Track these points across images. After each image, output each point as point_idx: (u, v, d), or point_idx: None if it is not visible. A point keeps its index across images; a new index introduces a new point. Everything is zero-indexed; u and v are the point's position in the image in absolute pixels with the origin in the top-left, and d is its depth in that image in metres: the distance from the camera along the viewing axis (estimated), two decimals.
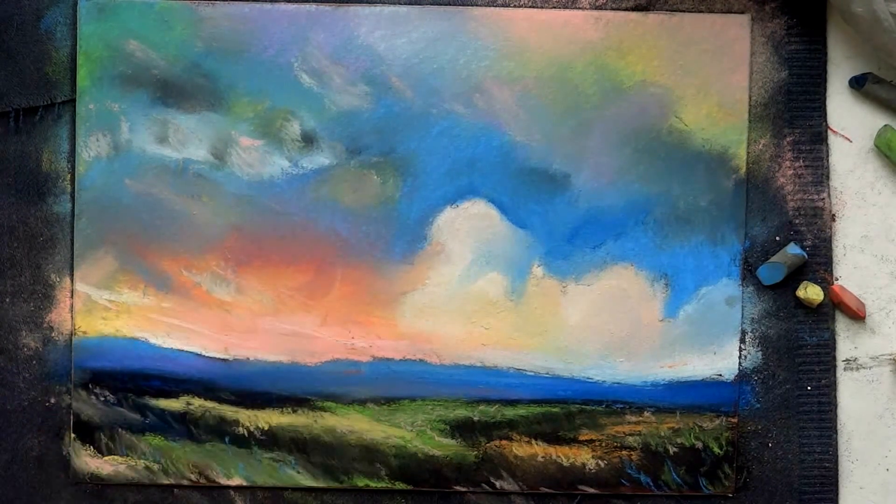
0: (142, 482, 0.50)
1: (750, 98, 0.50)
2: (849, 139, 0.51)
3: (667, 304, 0.50)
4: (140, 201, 0.50)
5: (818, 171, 0.50)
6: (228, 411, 0.50)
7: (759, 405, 0.51)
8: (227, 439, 0.50)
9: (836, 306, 0.51)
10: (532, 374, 0.50)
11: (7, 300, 0.50)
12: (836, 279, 0.51)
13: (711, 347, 0.50)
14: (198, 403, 0.50)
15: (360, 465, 0.50)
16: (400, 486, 0.50)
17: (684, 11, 0.50)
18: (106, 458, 0.50)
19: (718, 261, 0.50)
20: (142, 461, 0.50)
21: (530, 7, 0.50)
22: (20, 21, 0.50)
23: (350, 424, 0.50)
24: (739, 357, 0.50)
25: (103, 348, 0.50)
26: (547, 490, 0.51)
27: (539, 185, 0.50)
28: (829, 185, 0.51)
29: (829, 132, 0.51)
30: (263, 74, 0.50)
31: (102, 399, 0.50)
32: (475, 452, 0.50)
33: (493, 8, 0.50)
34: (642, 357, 0.50)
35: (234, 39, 0.50)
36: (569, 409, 0.50)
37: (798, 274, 0.50)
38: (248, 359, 0.50)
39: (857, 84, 0.50)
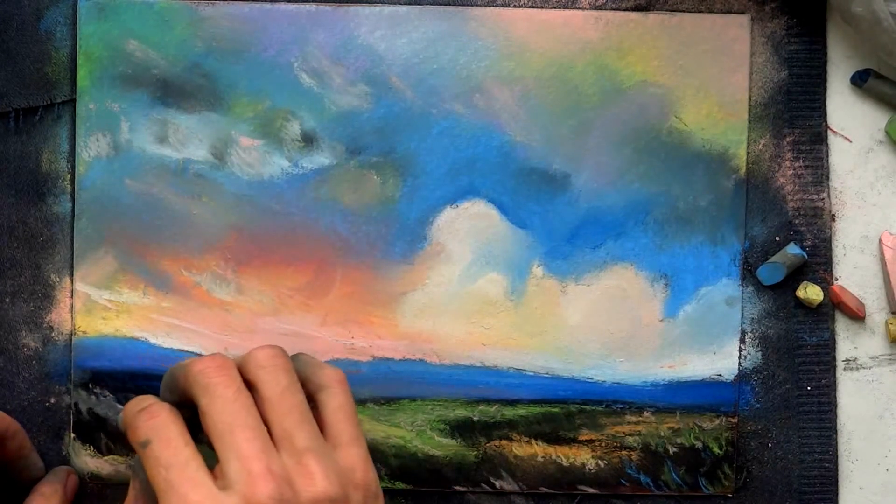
0: None
1: (750, 98, 0.50)
2: (849, 139, 0.51)
3: (667, 304, 0.50)
4: (140, 201, 0.50)
5: (818, 171, 0.50)
6: None
7: (759, 405, 0.51)
8: None
9: (836, 306, 0.51)
10: (532, 374, 0.50)
11: (7, 300, 0.50)
12: (836, 279, 0.51)
13: (711, 347, 0.50)
14: None
15: None
16: (400, 485, 0.50)
17: (684, 11, 0.50)
18: (106, 457, 0.50)
19: (718, 261, 0.50)
20: None
21: (530, 7, 0.50)
22: (20, 21, 0.50)
23: None
24: (739, 357, 0.51)
25: (103, 348, 0.50)
26: (547, 490, 0.51)
27: (539, 185, 0.50)
28: (829, 185, 0.51)
29: (829, 132, 0.51)
30: (263, 74, 0.50)
31: (103, 399, 0.50)
32: (475, 452, 0.51)
33: (493, 8, 0.50)
34: (642, 357, 0.50)
35: (234, 39, 0.50)
36: (569, 409, 0.50)
37: (798, 274, 0.50)
38: None
39: (860, 79, 0.50)
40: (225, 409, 0.38)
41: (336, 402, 0.40)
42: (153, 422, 0.38)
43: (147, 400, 0.40)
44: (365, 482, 0.39)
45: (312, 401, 0.41)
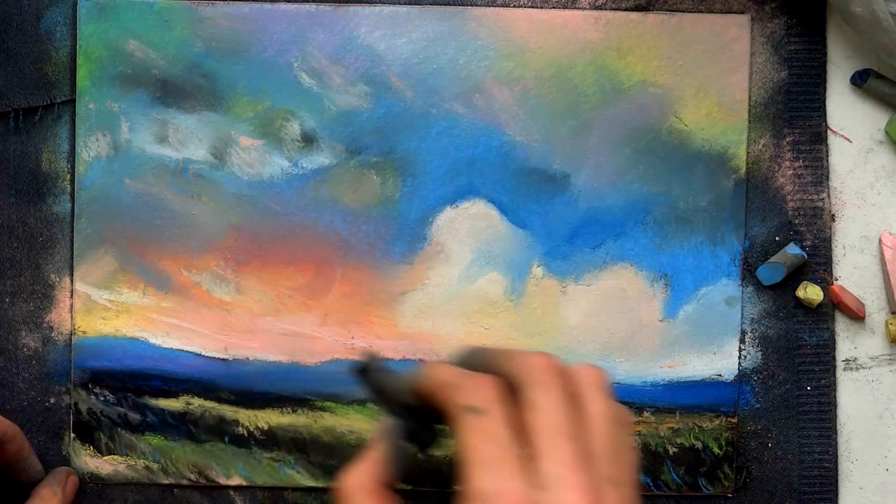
0: (141, 482, 0.50)
1: (750, 98, 0.50)
2: (848, 139, 0.51)
3: (666, 305, 0.50)
4: (140, 201, 0.50)
5: (818, 171, 0.50)
6: (228, 411, 0.50)
7: (758, 405, 0.51)
8: (226, 439, 0.50)
9: (836, 306, 0.51)
10: None
11: (7, 300, 0.50)
12: (836, 279, 0.51)
13: (711, 347, 0.50)
14: (197, 403, 0.50)
15: None
16: (400, 486, 0.50)
17: (684, 11, 0.50)
18: (106, 457, 0.50)
19: (718, 261, 0.50)
20: (142, 461, 0.50)
21: (530, 7, 0.50)
22: (20, 21, 0.50)
23: (350, 424, 0.50)
24: (739, 357, 0.50)
25: (103, 348, 0.50)
26: None
27: (539, 185, 0.50)
28: (828, 185, 0.51)
29: (829, 132, 0.51)
30: (263, 74, 0.50)
31: (102, 399, 0.50)
32: None
33: (493, 8, 0.50)
34: (642, 357, 0.50)
35: (234, 39, 0.50)
36: None
37: (798, 274, 0.50)
38: (247, 359, 0.50)
39: (860, 79, 0.50)
40: (557, 410, 0.37)
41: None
42: (489, 392, 0.37)
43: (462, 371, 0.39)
44: None
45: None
